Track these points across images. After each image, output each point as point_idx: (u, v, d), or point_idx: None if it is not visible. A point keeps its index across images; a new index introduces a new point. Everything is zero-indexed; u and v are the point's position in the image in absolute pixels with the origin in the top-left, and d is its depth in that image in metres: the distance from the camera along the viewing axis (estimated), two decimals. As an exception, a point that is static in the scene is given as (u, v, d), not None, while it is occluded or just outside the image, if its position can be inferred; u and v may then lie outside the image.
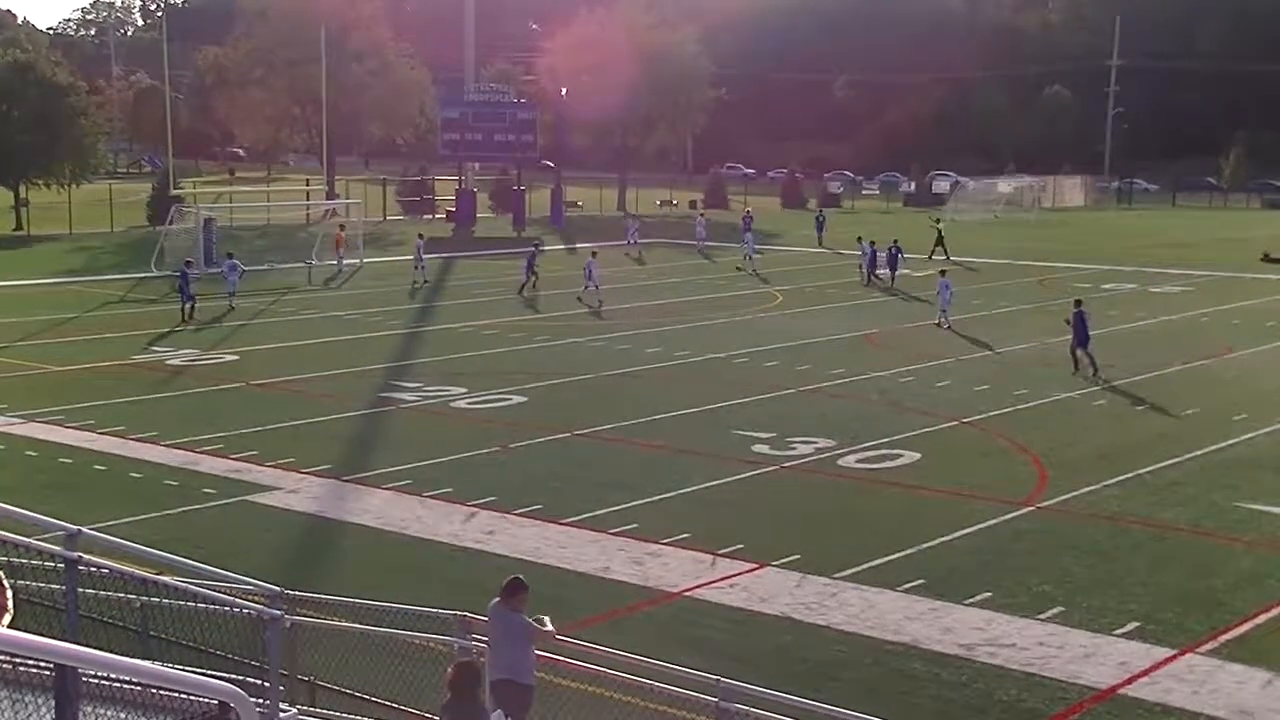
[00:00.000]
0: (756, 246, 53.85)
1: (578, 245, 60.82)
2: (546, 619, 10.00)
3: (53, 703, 5.93)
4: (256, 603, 10.10)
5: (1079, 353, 29.07)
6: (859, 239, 49.09)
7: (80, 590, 7.55)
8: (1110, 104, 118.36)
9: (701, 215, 64.61)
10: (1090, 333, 29.11)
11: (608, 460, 21.83)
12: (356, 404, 26.33)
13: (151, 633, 10.18)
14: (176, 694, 7.69)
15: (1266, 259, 54.86)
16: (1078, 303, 30.26)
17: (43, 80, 65.88)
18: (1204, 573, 16.37)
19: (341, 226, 53.55)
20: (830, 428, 23.80)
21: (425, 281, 46.22)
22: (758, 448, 22.37)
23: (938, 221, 57.32)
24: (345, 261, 50.72)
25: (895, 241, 47.68)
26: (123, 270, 49.01)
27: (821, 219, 65.44)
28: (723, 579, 16.01)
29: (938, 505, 19.14)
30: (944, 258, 51.62)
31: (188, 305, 36.44)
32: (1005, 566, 16.56)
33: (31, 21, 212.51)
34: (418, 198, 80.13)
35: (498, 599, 10.07)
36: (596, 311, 38.88)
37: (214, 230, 51.31)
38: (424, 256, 47.50)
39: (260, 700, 9.07)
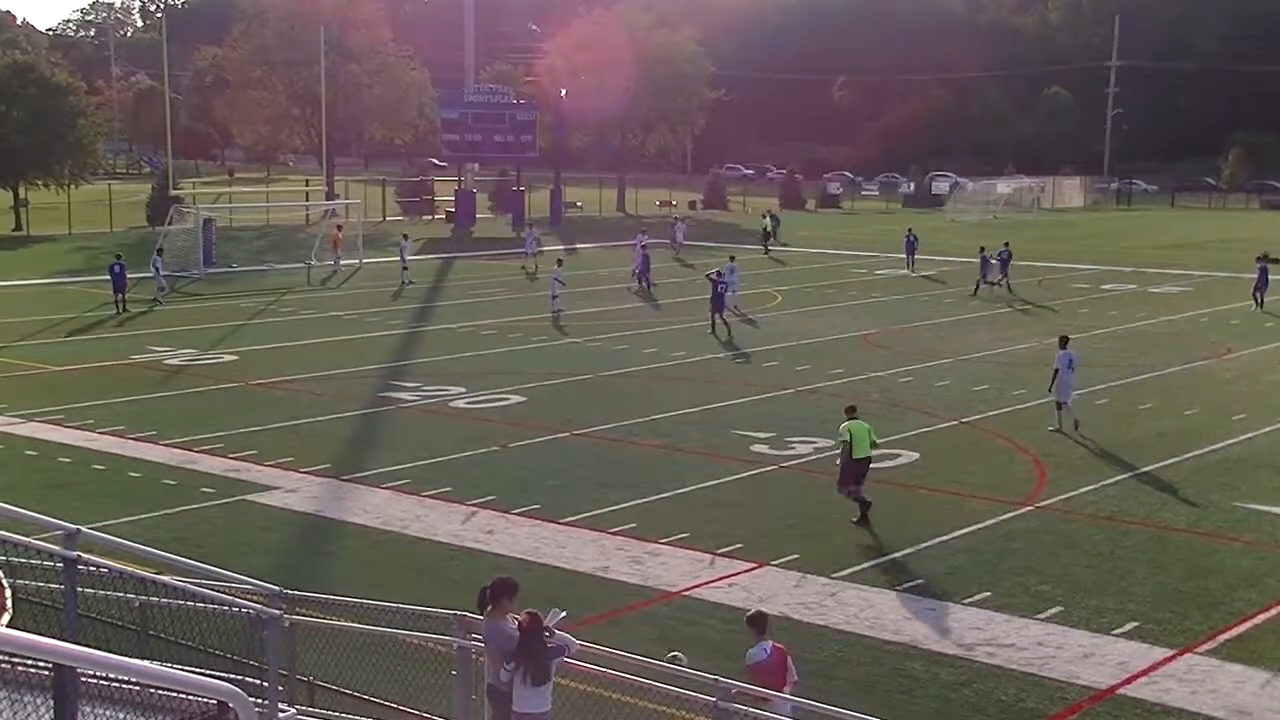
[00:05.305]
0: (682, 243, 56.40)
1: (576, 245, 60.88)
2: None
3: (51, 702, 5.93)
4: (255, 602, 10.09)
5: (716, 317, 34.99)
6: (640, 232, 49.78)
7: (79, 589, 7.54)
8: (1110, 104, 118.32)
9: (679, 220, 64.63)
10: (724, 303, 35.13)
11: (607, 460, 21.83)
12: (355, 403, 26.33)
13: (150, 632, 10.17)
14: (175, 694, 7.71)
15: (1265, 259, 54.79)
16: (718, 273, 36.44)
17: (42, 81, 65.86)
18: (1203, 573, 16.37)
19: (339, 227, 53.52)
20: (829, 428, 23.76)
21: (410, 282, 45.84)
22: (757, 447, 22.37)
23: (764, 216, 64.43)
24: (343, 262, 50.76)
25: (1006, 244, 46.15)
26: (122, 270, 48.94)
27: (768, 217, 67.35)
28: (721, 579, 16.01)
29: (937, 505, 19.14)
30: (763, 248, 57.98)
31: (119, 297, 38.78)
32: (1004, 566, 16.56)
33: (31, 22, 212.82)
34: (417, 198, 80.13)
35: (490, 609, 9.62)
36: (558, 322, 37.14)
37: (214, 230, 51.35)
38: (407, 257, 47.25)
39: (259, 700, 9.06)
